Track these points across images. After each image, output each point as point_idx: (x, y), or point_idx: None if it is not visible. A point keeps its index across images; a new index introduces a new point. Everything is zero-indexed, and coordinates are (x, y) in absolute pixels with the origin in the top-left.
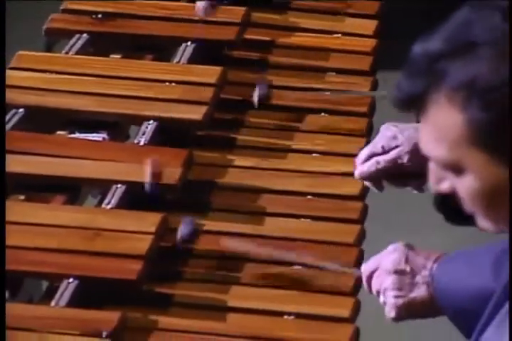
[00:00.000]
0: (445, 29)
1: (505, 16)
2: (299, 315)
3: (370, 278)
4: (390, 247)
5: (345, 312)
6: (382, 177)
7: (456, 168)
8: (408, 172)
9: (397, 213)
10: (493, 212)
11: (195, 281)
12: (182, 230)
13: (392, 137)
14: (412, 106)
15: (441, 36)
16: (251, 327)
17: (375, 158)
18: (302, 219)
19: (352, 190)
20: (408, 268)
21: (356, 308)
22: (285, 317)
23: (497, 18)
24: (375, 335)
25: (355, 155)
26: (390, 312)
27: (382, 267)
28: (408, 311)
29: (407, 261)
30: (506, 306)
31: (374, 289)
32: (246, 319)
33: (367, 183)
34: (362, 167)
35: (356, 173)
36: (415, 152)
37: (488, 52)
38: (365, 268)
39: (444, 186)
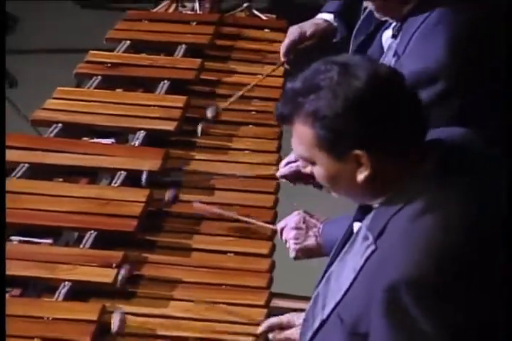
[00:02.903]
0: (305, 73)
1: (340, 70)
2: (236, 253)
3: (281, 231)
4: (295, 212)
5: (265, 251)
6: (294, 177)
7: (310, 161)
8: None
9: (299, 188)
10: (335, 190)
11: (172, 232)
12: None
13: None
14: (284, 121)
15: (301, 78)
16: (206, 261)
17: (289, 165)
18: (239, 192)
19: (269, 174)
20: (304, 226)
21: (272, 248)
22: (228, 254)
23: (334, 71)
24: (285, 266)
25: (272, 152)
26: (291, 254)
27: (288, 225)
28: (302, 253)
29: (304, 221)
30: (346, 248)
31: (283, 238)
32: (204, 256)
33: (284, 180)
34: (283, 170)
35: (278, 174)
36: None
37: (325, 94)
38: (279, 225)
39: (307, 170)
